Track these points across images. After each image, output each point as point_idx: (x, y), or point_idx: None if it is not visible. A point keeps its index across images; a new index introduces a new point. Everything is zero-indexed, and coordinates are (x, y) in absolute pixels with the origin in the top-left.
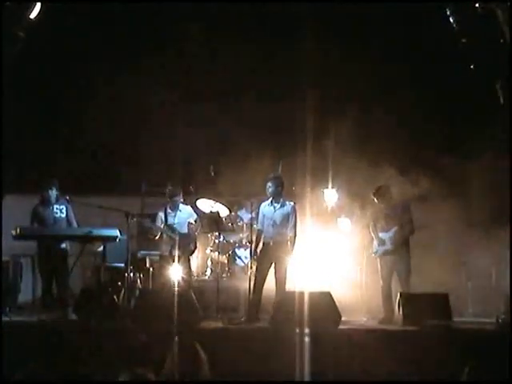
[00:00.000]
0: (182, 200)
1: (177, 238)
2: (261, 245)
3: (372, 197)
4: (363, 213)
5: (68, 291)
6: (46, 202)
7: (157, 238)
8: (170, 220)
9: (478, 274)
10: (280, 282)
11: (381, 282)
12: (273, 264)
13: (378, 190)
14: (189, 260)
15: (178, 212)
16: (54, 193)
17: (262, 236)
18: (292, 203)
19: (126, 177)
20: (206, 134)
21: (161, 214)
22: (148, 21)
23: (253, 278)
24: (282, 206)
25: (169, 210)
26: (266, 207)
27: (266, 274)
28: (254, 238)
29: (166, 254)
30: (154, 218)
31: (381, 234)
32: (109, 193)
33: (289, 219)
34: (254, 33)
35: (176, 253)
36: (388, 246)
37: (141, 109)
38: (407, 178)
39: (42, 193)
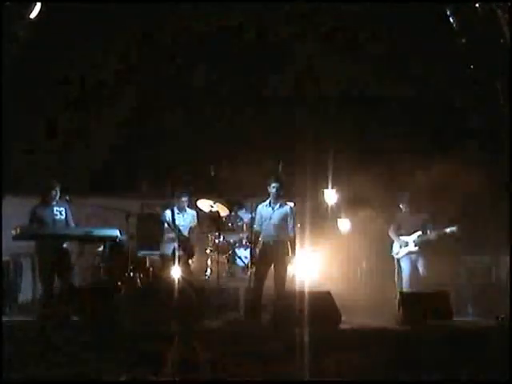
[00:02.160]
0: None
1: (180, 239)
2: (260, 245)
3: (398, 203)
4: (366, 213)
5: (71, 292)
6: (47, 203)
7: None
8: (178, 221)
9: (477, 273)
10: (279, 282)
11: (403, 279)
12: (272, 265)
13: (404, 197)
14: (188, 262)
15: (185, 214)
16: (56, 195)
17: (261, 236)
18: (291, 204)
19: (126, 177)
20: (206, 134)
21: (168, 214)
22: (148, 21)
23: (253, 279)
24: (281, 206)
25: (176, 211)
26: (264, 208)
27: (266, 275)
28: (252, 239)
29: (168, 253)
30: (161, 214)
31: (403, 237)
32: (109, 193)
33: (288, 220)
34: (255, 33)
35: (177, 253)
36: (412, 248)
37: (141, 109)
38: (408, 178)
39: (44, 193)
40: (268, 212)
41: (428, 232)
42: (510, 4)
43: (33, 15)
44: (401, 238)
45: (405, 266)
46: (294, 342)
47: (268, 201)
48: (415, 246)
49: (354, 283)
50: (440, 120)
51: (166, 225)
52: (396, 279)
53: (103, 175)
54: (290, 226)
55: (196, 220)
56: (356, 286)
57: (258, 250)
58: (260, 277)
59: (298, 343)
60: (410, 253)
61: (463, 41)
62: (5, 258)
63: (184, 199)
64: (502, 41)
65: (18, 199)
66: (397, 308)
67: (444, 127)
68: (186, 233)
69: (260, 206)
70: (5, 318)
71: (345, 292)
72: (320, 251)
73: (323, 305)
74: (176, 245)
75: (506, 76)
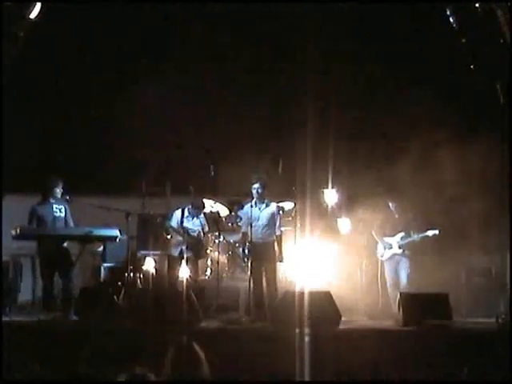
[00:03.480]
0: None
1: (188, 242)
2: (248, 246)
3: (388, 202)
4: (364, 213)
5: (72, 289)
6: (46, 201)
7: (169, 237)
8: (186, 223)
9: (477, 273)
10: (270, 281)
11: (390, 283)
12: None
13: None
14: (197, 263)
15: (195, 218)
16: (59, 192)
17: (250, 237)
18: (276, 203)
19: (126, 177)
20: (206, 133)
21: (177, 215)
22: (148, 21)
23: (251, 280)
24: (267, 206)
25: (186, 214)
26: (250, 209)
27: (261, 274)
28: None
29: (176, 254)
30: (168, 217)
31: (386, 238)
32: (109, 193)
33: (275, 219)
34: (254, 32)
35: (185, 255)
36: (396, 250)
37: (141, 109)
38: (407, 178)
39: (47, 191)
40: (255, 213)
41: (411, 233)
42: (509, 4)
43: (33, 15)
44: (384, 239)
45: (388, 269)
46: (294, 342)
47: (253, 201)
48: (399, 248)
49: (354, 283)
50: (440, 118)
51: (173, 227)
52: (379, 282)
53: (103, 175)
54: (277, 224)
55: (206, 224)
56: (356, 285)
57: (247, 251)
58: (256, 276)
59: (297, 343)
60: (394, 255)
61: (463, 41)
62: (5, 258)
63: (200, 210)
64: (501, 41)
65: (19, 199)
66: (397, 308)
67: (443, 125)
68: (195, 234)
69: (246, 207)
70: (5, 318)
71: (345, 292)
72: (320, 251)
73: (323, 305)
74: (184, 247)
75: (506, 76)
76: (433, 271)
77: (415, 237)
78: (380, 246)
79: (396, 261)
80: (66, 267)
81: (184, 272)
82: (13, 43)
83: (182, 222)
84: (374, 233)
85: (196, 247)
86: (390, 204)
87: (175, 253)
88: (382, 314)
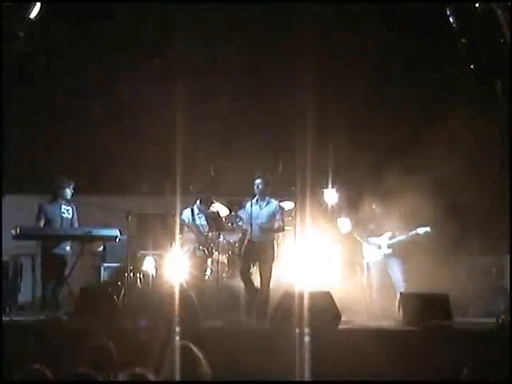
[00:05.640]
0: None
1: (200, 239)
2: (246, 243)
3: (373, 205)
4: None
5: (60, 295)
6: (57, 201)
7: (180, 236)
8: (198, 221)
9: (477, 273)
10: (265, 281)
11: (377, 285)
12: (258, 263)
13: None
14: (207, 261)
15: (204, 216)
16: (69, 193)
17: (248, 234)
18: (277, 201)
19: (126, 177)
20: (206, 133)
21: (187, 213)
22: (147, 21)
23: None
24: (268, 204)
25: (197, 211)
26: (251, 206)
27: (250, 272)
28: (239, 238)
29: (190, 251)
30: (181, 213)
31: (373, 239)
32: (109, 193)
33: (275, 217)
34: (254, 32)
35: (198, 253)
36: (386, 250)
37: (140, 108)
38: (405, 179)
39: (58, 190)
40: (255, 210)
41: (397, 233)
42: (510, 4)
43: (33, 15)
44: (370, 240)
45: (375, 271)
46: (294, 341)
47: (255, 199)
48: (388, 248)
49: (354, 283)
50: (439, 118)
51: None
52: (365, 284)
53: (104, 175)
54: (278, 223)
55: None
56: (356, 285)
57: (243, 248)
58: (245, 274)
59: (297, 343)
60: (384, 256)
61: (463, 41)
62: (5, 257)
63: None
64: (501, 41)
65: (18, 199)
66: (397, 308)
67: (443, 125)
68: (205, 232)
69: (247, 204)
70: (5, 318)
71: (345, 292)
72: (320, 250)
73: (323, 305)
74: (196, 244)
75: (505, 76)
76: (433, 271)
77: (403, 236)
78: (365, 248)
79: (386, 261)
80: (61, 271)
81: (190, 270)
82: (13, 43)
83: (193, 219)
84: (357, 235)
85: (207, 245)
86: (373, 206)
87: (187, 251)
88: (382, 314)
